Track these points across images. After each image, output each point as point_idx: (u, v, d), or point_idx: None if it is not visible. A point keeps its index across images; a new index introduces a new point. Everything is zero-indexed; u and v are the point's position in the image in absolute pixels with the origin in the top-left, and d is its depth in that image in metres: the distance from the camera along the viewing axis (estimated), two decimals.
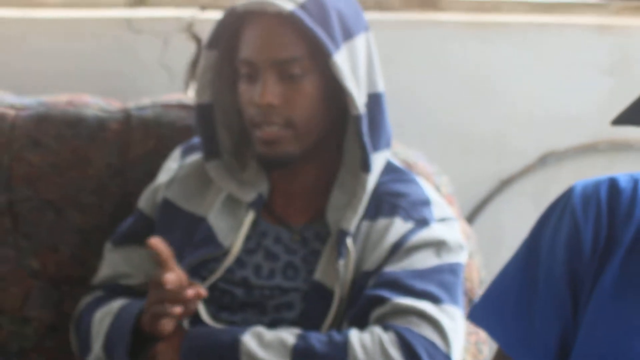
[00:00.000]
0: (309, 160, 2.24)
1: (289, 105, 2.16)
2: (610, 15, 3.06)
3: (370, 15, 2.37)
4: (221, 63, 2.26)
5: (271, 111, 2.16)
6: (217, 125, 2.28)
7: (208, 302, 2.22)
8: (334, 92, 2.18)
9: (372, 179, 2.20)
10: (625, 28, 2.97)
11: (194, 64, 2.98)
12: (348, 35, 2.18)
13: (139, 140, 2.55)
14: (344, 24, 2.18)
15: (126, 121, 2.57)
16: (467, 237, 2.39)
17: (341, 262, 2.16)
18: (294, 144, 2.19)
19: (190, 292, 2.08)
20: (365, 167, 2.18)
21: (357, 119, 2.16)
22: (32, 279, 2.56)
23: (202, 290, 2.11)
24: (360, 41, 2.20)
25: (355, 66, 2.18)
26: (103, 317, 2.27)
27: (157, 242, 2.08)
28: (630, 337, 1.65)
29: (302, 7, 2.14)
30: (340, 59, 2.15)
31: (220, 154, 2.29)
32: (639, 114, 1.58)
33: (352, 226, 2.18)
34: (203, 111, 2.28)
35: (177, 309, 2.09)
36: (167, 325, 2.10)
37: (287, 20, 2.14)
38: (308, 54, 2.16)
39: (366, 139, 2.17)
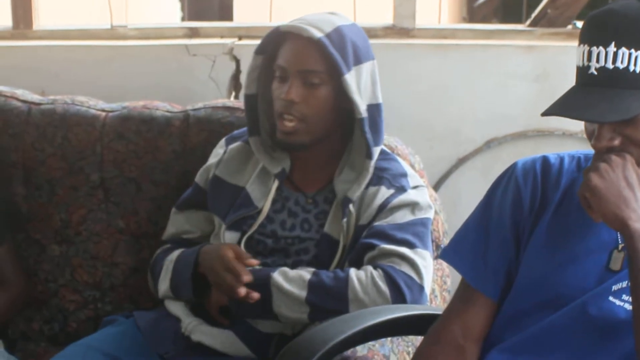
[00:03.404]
0: (320, 147, 2.19)
1: (306, 104, 2.13)
2: (535, 39, 3.04)
3: None
4: (264, 65, 2.22)
5: (292, 106, 2.13)
6: (259, 111, 2.24)
7: (247, 249, 2.19)
8: (342, 101, 2.15)
9: (372, 163, 2.17)
10: (546, 48, 2.97)
11: (234, 77, 2.97)
12: (358, 61, 2.14)
13: (195, 133, 2.51)
14: (356, 52, 2.14)
15: (185, 119, 2.53)
16: (433, 199, 2.35)
17: (344, 220, 2.13)
18: (305, 135, 2.15)
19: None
20: (369, 155, 2.16)
21: (361, 121, 2.14)
22: (119, 234, 2.53)
23: (254, 261, 2.12)
24: (366, 67, 2.16)
25: (360, 83, 2.14)
26: (168, 265, 2.25)
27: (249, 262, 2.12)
28: (557, 269, 1.67)
29: (327, 36, 2.11)
30: (350, 77, 2.11)
31: (260, 133, 2.24)
32: (559, 108, 1.59)
33: (355, 196, 2.15)
34: (249, 99, 2.23)
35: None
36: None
37: (315, 44, 2.11)
38: (326, 70, 2.12)
39: (368, 135, 2.14)
